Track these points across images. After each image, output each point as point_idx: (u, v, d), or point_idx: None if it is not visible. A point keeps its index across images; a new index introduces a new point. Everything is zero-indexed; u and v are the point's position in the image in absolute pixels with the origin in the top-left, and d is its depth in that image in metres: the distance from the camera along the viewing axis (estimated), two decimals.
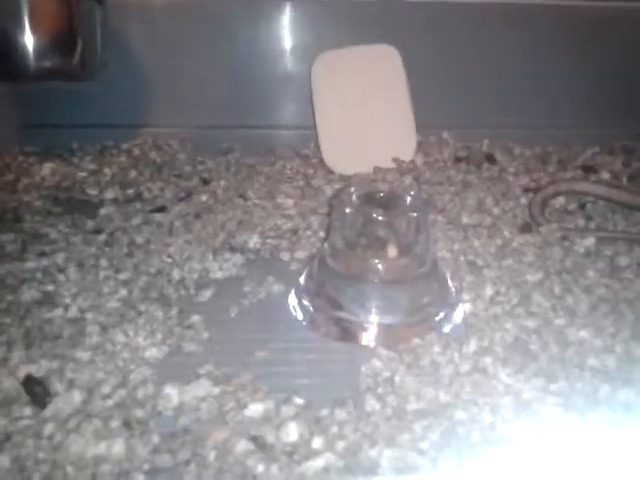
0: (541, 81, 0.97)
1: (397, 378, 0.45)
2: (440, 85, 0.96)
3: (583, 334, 0.50)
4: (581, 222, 0.71)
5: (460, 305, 0.54)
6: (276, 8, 0.93)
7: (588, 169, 0.86)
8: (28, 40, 0.77)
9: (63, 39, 0.79)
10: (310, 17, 0.94)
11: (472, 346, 0.48)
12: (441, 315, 0.52)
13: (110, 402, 0.42)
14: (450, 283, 0.56)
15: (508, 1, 0.94)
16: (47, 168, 0.83)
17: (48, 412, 0.41)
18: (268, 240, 0.66)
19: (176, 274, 0.59)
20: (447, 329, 0.52)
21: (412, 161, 0.85)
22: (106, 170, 0.83)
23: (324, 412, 0.41)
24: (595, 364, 0.47)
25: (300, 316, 0.54)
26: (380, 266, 0.52)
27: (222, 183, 0.80)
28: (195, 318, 0.52)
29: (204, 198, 0.76)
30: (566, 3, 0.95)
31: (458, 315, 0.53)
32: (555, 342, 0.49)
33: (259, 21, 0.93)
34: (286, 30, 0.94)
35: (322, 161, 0.86)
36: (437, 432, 0.40)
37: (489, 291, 0.56)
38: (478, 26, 0.95)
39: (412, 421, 0.41)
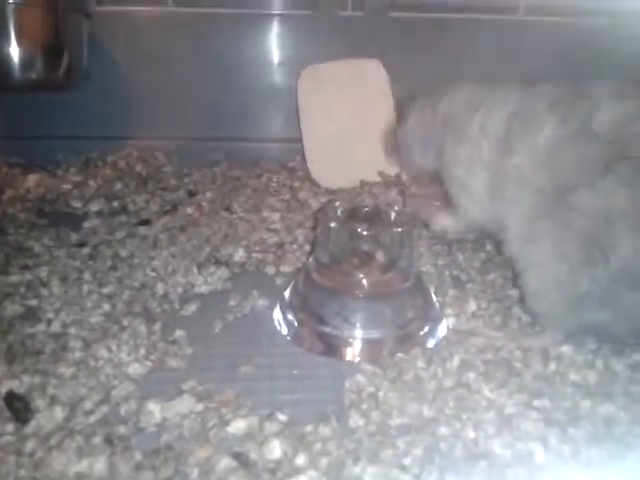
0: None
1: (381, 393, 0.45)
2: None
3: (565, 349, 0.50)
4: None
5: (444, 320, 0.55)
6: (263, 22, 0.93)
7: None
8: (14, 51, 0.77)
9: (49, 51, 0.79)
10: (297, 31, 0.94)
11: (455, 361, 0.49)
12: (425, 330, 0.53)
13: (92, 418, 0.42)
14: (434, 298, 0.56)
15: (493, 17, 0.95)
16: (32, 180, 0.83)
17: (29, 428, 0.41)
18: (253, 254, 0.67)
19: (160, 288, 0.59)
20: (431, 344, 0.52)
21: (397, 175, 0.85)
22: (91, 182, 0.83)
23: (308, 428, 0.42)
24: (576, 379, 0.47)
25: (285, 331, 0.54)
26: (365, 281, 0.52)
27: (208, 196, 0.80)
28: (179, 333, 0.52)
29: (189, 211, 0.76)
30: (552, 20, 0.96)
31: (442, 330, 0.54)
32: (537, 357, 0.49)
33: (246, 34, 0.93)
34: (273, 44, 0.95)
35: (308, 174, 0.86)
36: (420, 447, 0.40)
37: (472, 306, 0.57)
38: (462, 41, 0.96)
39: (396, 437, 0.41)
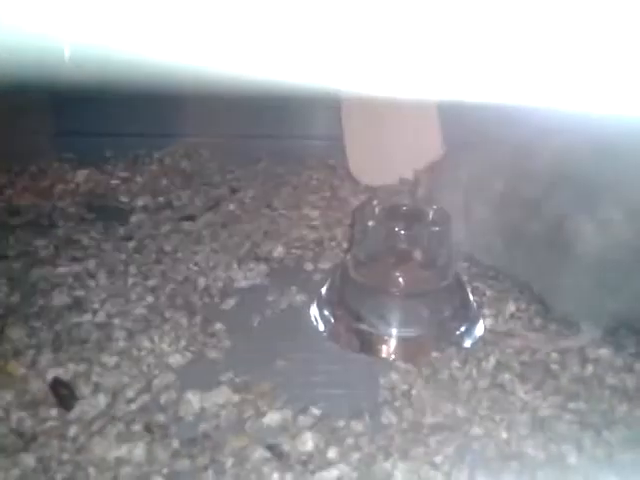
0: None
1: (414, 391, 0.45)
2: None
3: (603, 352, 0.50)
4: None
5: (481, 320, 0.55)
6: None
7: None
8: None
9: None
10: None
11: (491, 362, 0.49)
12: (462, 329, 0.53)
13: (133, 406, 0.44)
14: (472, 297, 0.56)
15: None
16: (81, 175, 0.86)
17: (73, 414, 0.43)
18: (293, 250, 0.67)
19: (201, 282, 0.60)
20: (467, 344, 0.52)
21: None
22: (138, 178, 0.86)
23: (340, 423, 0.42)
24: (614, 382, 0.46)
25: (321, 327, 0.54)
26: (402, 279, 0.53)
27: (250, 192, 0.81)
28: (218, 326, 0.54)
29: (232, 207, 0.77)
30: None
31: (479, 330, 0.54)
32: (574, 359, 0.49)
33: None
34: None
35: (349, 172, 0.87)
36: (452, 446, 0.40)
37: (511, 307, 0.56)
38: None
39: (428, 435, 0.41)
